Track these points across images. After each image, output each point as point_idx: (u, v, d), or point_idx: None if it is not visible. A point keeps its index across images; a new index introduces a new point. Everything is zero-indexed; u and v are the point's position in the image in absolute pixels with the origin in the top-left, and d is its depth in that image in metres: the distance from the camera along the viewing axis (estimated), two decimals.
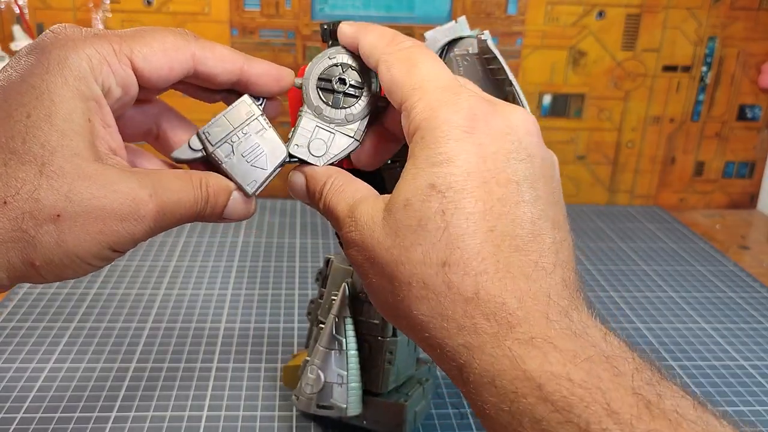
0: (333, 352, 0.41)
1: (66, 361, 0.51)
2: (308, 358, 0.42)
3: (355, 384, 0.41)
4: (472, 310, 0.25)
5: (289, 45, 0.81)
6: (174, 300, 0.61)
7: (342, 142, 0.33)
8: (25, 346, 0.53)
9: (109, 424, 0.45)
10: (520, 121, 0.28)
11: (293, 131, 0.33)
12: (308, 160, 0.33)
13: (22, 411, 0.45)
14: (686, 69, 0.87)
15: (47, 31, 0.29)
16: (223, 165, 0.32)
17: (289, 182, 0.33)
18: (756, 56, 0.87)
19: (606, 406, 0.22)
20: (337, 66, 0.33)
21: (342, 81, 0.33)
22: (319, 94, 0.33)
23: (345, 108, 0.33)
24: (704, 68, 0.87)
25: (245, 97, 0.32)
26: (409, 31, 0.81)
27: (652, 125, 0.89)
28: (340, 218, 0.30)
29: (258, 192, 0.33)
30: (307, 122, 0.33)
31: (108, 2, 0.77)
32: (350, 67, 0.33)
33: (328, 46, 0.34)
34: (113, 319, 0.57)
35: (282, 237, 0.74)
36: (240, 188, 0.32)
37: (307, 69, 0.34)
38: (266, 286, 0.64)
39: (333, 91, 0.33)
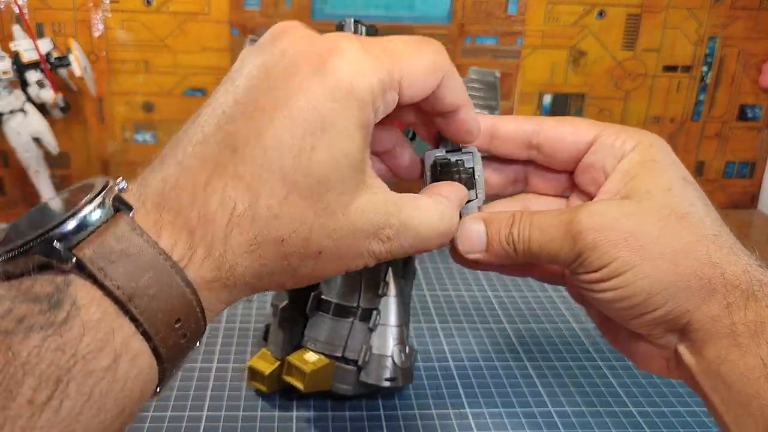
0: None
1: None
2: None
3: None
4: None
5: None
6: None
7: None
8: None
9: None
10: None
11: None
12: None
13: None
14: (686, 69, 0.87)
15: (320, 40, 0.28)
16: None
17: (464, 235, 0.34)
18: (756, 56, 0.87)
19: None
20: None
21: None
22: None
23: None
24: (704, 68, 0.87)
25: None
26: (409, 31, 0.81)
27: (653, 125, 0.89)
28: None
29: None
30: None
31: (108, 2, 0.77)
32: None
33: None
34: None
35: None
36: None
37: None
38: None
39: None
